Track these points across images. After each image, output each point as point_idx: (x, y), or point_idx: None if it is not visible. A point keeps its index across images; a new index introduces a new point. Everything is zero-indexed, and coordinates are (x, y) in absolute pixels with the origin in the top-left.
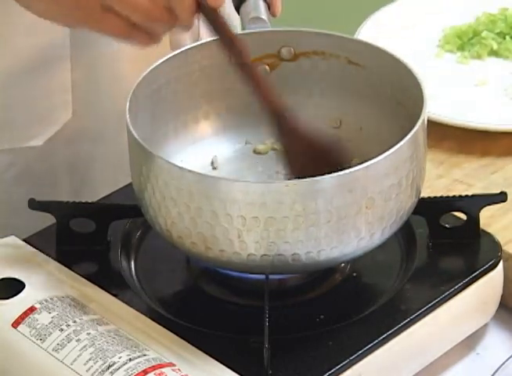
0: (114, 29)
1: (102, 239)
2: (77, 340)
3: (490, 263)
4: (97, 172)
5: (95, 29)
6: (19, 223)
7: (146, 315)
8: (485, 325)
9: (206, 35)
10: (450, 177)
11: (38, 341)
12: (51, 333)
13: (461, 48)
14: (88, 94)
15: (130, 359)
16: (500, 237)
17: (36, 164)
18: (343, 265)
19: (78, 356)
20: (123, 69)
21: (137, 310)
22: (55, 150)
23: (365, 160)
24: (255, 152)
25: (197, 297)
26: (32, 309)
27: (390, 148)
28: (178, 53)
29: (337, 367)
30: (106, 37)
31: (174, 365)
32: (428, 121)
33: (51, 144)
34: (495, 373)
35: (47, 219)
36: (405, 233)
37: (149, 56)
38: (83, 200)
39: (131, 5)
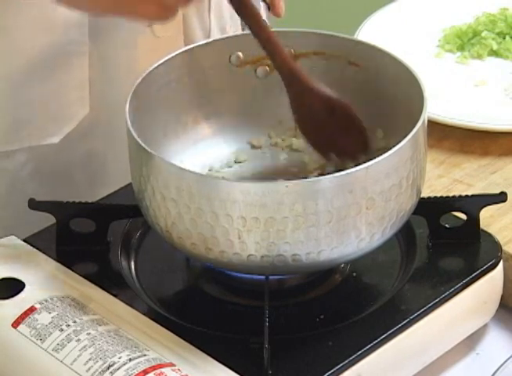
0: (146, 11)
1: (102, 239)
2: (77, 340)
3: (490, 263)
4: (111, 168)
5: (130, 16)
6: (26, 223)
7: (145, 315)
8: (485, 325)
9: (216, 33)
10: (450, 177)
11: (38, 341)
12: (51, 333)
13: (461, 48)
14: (103, 90)
15: (130, 359)
16: (500, 237)
17: (51, 161)
18: (343, 265)
19: (78, 356)
20: (137, 66)
21: (137, 310)
22: (71, 146)
23: (366, 161)
24: (252, 146)
25: (197, 297)
26: (32, 309)
27: (390, 148)
28: (178, 54)
29: (337, 367)
30: (121, 34)
31: (174, 365)
32: (428, 121)
33: (66, 141)
34: (495, 373)
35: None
36: (405, 233)
37: (165, 51)
38: (95, 197)
39: None
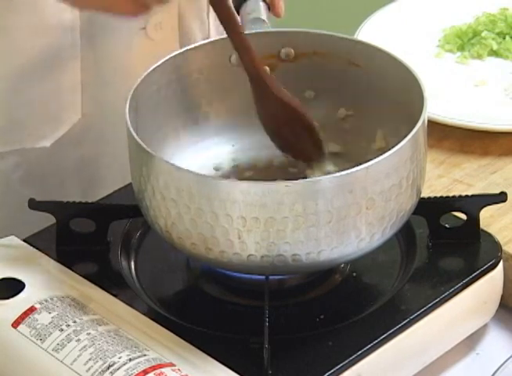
0: (123, 7)
1: (102, 239)
2: (77, 340)
3: (490, 263)
4: (104, 172)
5: (102, 9)
6: (26, 223)
7: (145, 315)
8: (485, 325)
9: (214, 34)
10: (450, 177)
11: (38, 341)
12: (51, 333)
13: (461, 48)
14: (96, 94)
15: (130, 359)
16: (500, 237)
17: (43, 165)
18: (343, 265)
19: (78, 356)
20: (132, 69)
21: (137, 310)
22: (63, 150)
23: (366, 161)
24: (252, 147)
25: (197, 297)
26: (32, 309)
27: (390, 148)
28: (177, 54)
29: (337, 367)
30: (116, 37)
31: (174, 365)
32: (428, 121)
33: (58, 145)
34: (495, 373)
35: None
36: (405, 233)
37: (158, 55)
38: (89, 201)
39: None
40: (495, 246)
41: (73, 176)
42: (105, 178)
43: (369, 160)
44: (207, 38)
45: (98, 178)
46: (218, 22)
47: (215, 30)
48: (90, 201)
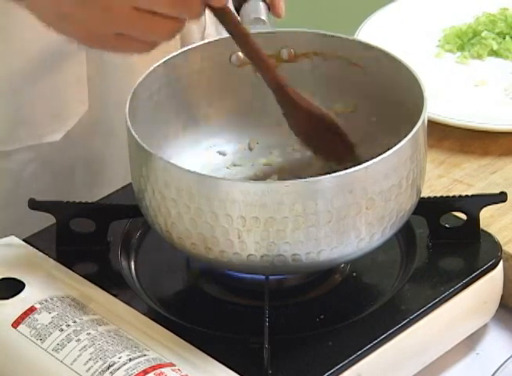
0: (133, 49)
1: (102, 239)
2: (77, 340)
3: (490, 263)
4: (112, 165)
5: (113, 52)
6: (26, 223)
7: (146, 315)
8: (485, 325)
9: (211, 31)
10: (450, 177)
11: (38, 341)
12: (51, 333)
13: (461, 48)
14: (102, 87)
15: (130, 359)
16: (500, 237)
17: (53, 160)
18: (343, 265)
19: (78, 356)
20: (137, 62)
21: (137, 310)
22: (71, 144)
23: (366, 161)
24: (252, 147)
25: (197, 297)
26: (32, 309)
27: (390, 148)
28: (178, 54)
29: (337, 367)
30: None
31: (174, 365)
32: (428, 121)
33: (67, 139)
34: (495, 373)
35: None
36: (405, 233)
37: (162, 50)
38: (98, 194)
39: (148, 29)
40: (495, 246)
41: (82, 170)
42: (112, 171)
43: (368, 160)
44: (203, 36)
45: (106, 171)
46: (216, 21)
47: (215, 30)
48: (94, 199)
